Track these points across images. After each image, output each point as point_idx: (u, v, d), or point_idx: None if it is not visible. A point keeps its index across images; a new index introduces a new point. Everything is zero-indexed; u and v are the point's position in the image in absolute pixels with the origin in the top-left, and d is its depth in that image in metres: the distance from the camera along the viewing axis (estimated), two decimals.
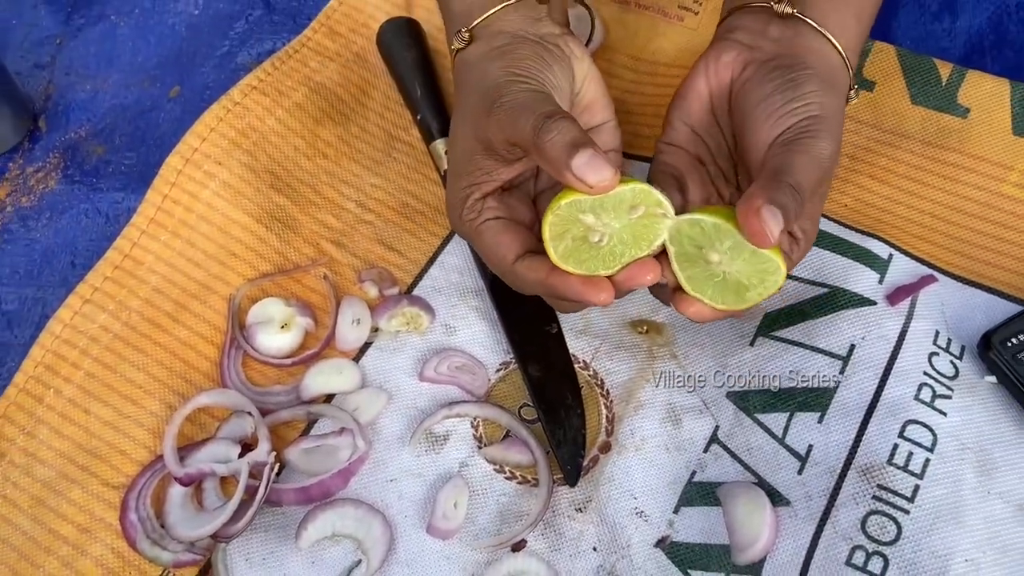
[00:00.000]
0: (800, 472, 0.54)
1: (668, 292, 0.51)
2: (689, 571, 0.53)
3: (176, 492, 0.56)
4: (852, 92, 0.54)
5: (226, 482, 0.56)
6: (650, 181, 0.55)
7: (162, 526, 0.54)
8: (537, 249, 0.51)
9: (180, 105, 0.74)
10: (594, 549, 0.54)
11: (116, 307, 0.62)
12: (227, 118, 0.67)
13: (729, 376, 0.59)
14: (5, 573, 0.53)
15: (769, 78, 0.51)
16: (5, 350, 0.64)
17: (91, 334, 0.61)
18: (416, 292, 0.65)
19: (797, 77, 0.50)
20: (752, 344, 0.60)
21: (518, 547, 0.55)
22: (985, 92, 0.64)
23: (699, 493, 0.55)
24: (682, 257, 0.49)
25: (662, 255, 0.49)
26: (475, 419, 0.60)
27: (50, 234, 0.69)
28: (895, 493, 0.51)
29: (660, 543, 0.54)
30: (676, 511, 0.55)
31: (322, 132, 0.70)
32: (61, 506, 0.55)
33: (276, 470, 0.55)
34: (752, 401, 0.57)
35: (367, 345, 0.62)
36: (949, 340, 0.57)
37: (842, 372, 0.56)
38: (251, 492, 0.54)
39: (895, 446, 0.52)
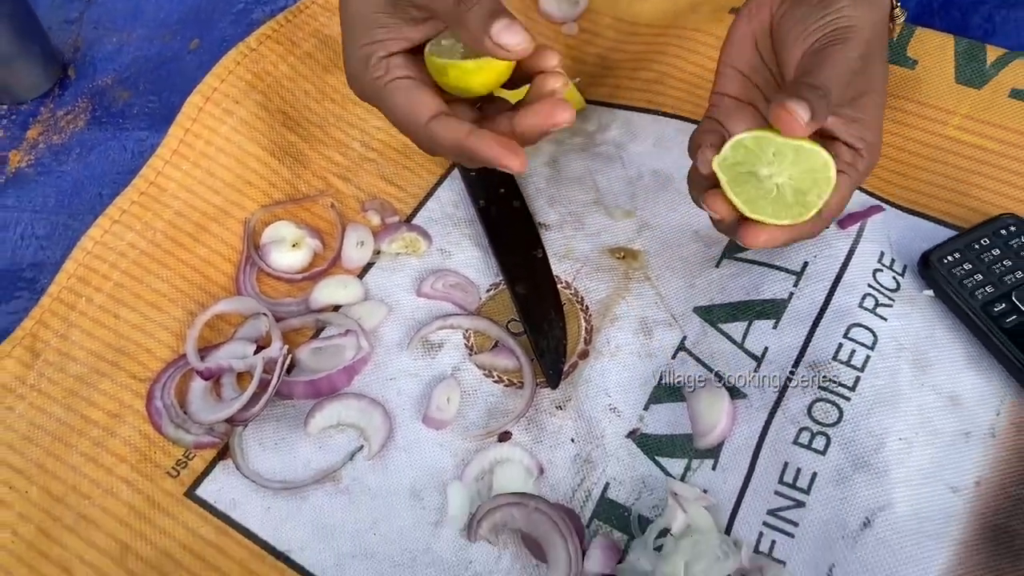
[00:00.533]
0: (756, 370, 0.60)
1: (735, 227, 0.53)
2: (656, 457, 0.59)
3: (197, 385, 0.62)
4: (897, 11, 0.58)
5: (242, 378, 0.63)
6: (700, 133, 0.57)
7: (184, 413, 0.60)
8: (448, 112, 0.53)
9: (199, 56, 0.81)
10: (572, 440, 0.61)
11: (142, 227, 0.68)
12: (244, 62, 0.73)
13: (696, 293, 0.65)
14: (40, 454, 0.59)
15: (804, 3, 0.54)
16: (39, 268, 0.70)
17: (119, 250, 0.67)
18: (414, 222, 0.71)
19: None
20: (718, 266, 0.66)
21: (504, 438, 0.61)
22: (932, 46, 0.71)
23: (666, 392, 0.61)
24: (734, 182, 0.52)
25: (718, 189, 0.52)
26: (467, 331, 0.66)
27: (80, 168, 0.75)
28: (838, 383, 0.57)
29: (631, 434, 0.60)
30: (646, 408, 0.61)
31: (330, 79, 0.76)
32: (92, 396, 0.61)
33: (287, 367, 0.61)
34: (716, 314, 0.64)
35: (369, 265, 0.69)
36: (892, 260, 0.63)
37: (795, 285, 0.62)
38: (264, 385, 0.60)
39: (840, 345, 0.59)
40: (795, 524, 0.54)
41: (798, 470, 0.55)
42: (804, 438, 0.56)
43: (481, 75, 0.52)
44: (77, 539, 0.56)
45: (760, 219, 0.52)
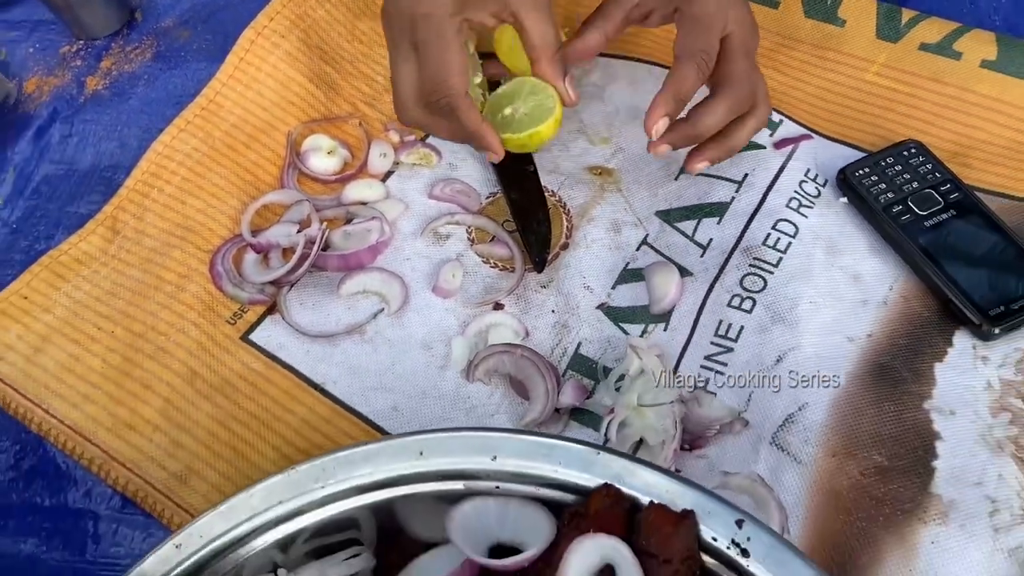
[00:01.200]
0: (702, 256, 0.75)
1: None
2: (620, 323, 0.73)
3: (250, 256, 0.76)
4: None
5: (286, 253, 0.77)
6: None
7: (240, 276, 0.75)
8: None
9: (248, 4, 0.95)
10: (552, 311, 0.75)
11: (204, 136, 0.82)
12: (288, 5, 0.88)
13: (658, 201, 0.80)
14: (123, 304, 0.73)
15: None
16: (115, 169, 0.84)
17: (185, 152, 0.81)
18: (428, 141, 0.86)
19: None
20: (676, 179, 0.81)
21: (498, 307, 0.75)
22: (858, 9, 0.86)
23: (631, 275, 0.76)
24: (491, 115, 0.74)
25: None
26: (469, 227, 0.80)
27: (148, 91, 0.89)
28: (765, 262, 0.72)
29: (600, 306, 0.75)
30: (613, 287, 0.76)
31: (360, 24, 0.91)
32: (165, 262, 0.76)
33: (323, 243, 0.75)
34: (672, 215, 0.78)
35: (390, 173, 0.83)
36: (816, 175, 0.78)
37: (737, 191, 0.77)
38: (304, 257, 0.74)
39: (768, 234, 0.73)
40: (725, 365, 0.68)
41: (729, 325, 0.70)
42: (735, 302, 0.71)
43: (532, 143, 0.73)
44: (156, 364, 0.70)
45: (504, 137, 0.72)
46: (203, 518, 0.54)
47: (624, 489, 0.51)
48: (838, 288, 0.71)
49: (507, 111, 0.73)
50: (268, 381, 0.71)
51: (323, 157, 0.81)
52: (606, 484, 0.51)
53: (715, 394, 0.67)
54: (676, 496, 0.50)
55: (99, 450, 0.66)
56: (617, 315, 0.74)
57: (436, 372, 0.72)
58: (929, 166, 0.76)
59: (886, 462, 0.61)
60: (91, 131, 0.87)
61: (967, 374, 0.65)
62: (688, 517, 0.49)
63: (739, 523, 0.50)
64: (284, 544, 0.56)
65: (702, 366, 0.69)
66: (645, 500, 0.50)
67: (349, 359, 0.72)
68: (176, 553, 0.54)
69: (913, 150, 0.77)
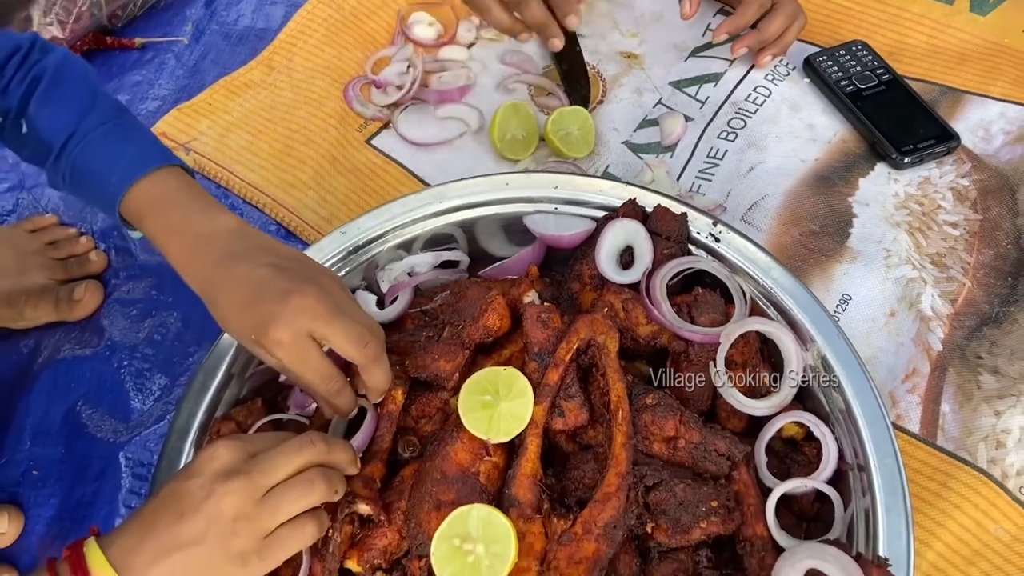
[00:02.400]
0: (701, 108, 1.03)
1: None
2: (639, 153, 1.01)
3: (373, 89, 1.04)
4: None
5: (399, 89, 1.04)
6: None
7: (365, 100, 1.02)
8: None
9: None
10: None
11: (332, 11, 1.10)
12: None
13: (671, 74, 1.08)
14: (280, 113, 1.01)
15: None
16: (264, 31, 1.12)
17: (317, 23, 1.09)
18: None
19: None
20: (685, 60, 1.09)
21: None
22: None
23: (648, 123, 1.04)
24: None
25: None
26: (530, 85, 1.08)
27: None
28: (745, 111, 1.00)
29: (624, 142, 1.02)
30: (634, 131, 1.03)
31: None
32: (310, 88, 1.03)
33: (422, 83, 1.03)
34: (681, 83, 1.06)
35: (472, 44, 1.11)
36: (788, 62, 1.06)
37: (729, 66, 1.05)
38: (411, 88, 1.02)
39: (749, 94, 1.02)
40: (712, 175, 0.96)
41: (718, 150, 0.98)
42: (723, 134, 0.99)
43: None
44: (307, 149, 0.98)
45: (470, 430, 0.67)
46: (361, 217, 0.82)
47: (641, 202, 0.78)
48: (796, 130, 0.99)
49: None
50: (384, 171, 0.98)
51: (425, 27, 1.09)
52: (631, 199, 0.79)
53: (704, 194, 0.95)
54: (673, 207, 0.78)
55: (269, 199, 0.94)
56: (636, 148, 1.02)
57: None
58: (870, 58, 1.04)
59: (818, 228, 0.89)
60: (247, 3, 1.15)
61: (882, 185, 0.93)
62: (683, 215, 0.77)
63: (714, 223, 0.77)
64: (406, 244, 0.83)
65: (696, 176, 0.97)
66: (652, 206, 0.78)
67: (441, 161, 1.00)
68: (342, 238, 0.81)
69: (860, 48, 1.05)
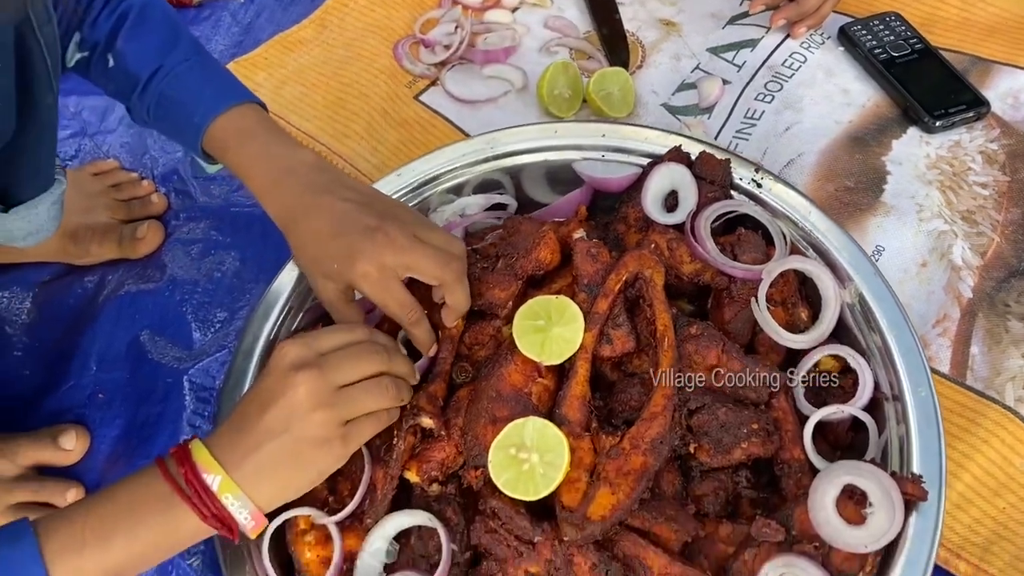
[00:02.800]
0: (738, 72, 1.06)
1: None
2: (677, 115, 1.05)
3: (421, 48, 1.08)
4: None
5: (447, 48, 1.08)
6: None
7: (414, 58, 1.06)
8: None
9: None
10: None
11: None
12: None
13: (709, 41, 1.11)
14: (332, 68, 1.05)
15: None
16: (310, 1, 1.16)
17: None
18: None
19: None
20: (723, 28, 1.12)
21: None
22: None
23: (686, 87, 1.07)
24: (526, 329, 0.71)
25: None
26: (571, 48, 1.12)
27: None
28: (782, 75, 1.04)
29: (664, 104, 1.06)
30: (673, 94, 1.07)
31: None
32: (361, 46, 1.08)
33: (469, 43, 1.07)
34: (718, 49, 1.10)
35: (516, 8, 1.15)
36: (823, 31, 1.09)
37: (766, 33, 1.08)
38: (458, 48, 1.06)
39: (785, 59, 1.05)
40: (749, 135, 1.00)
41: (755, 111, 1.01)
42: (760, 96, 1.02)
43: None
44: (359, 103, 1.02)
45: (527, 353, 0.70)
46: (417, 160, 0.85)
47: (685, 149, 0.82)
48: (831, 94, 1.02)
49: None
50: (432, 125, 1.02)
51: None
52: (677, 145, 0.82)
53: (742, 152, 0.98)
54: (717, 153, 0.81)
55: (324, 147, 0.98)
56: (675, 110, 1.05)
57: None
58: (903, 28, 1.07)
59: (852, 184, 0.93)
60: None
61: (914, 147, 0.97)
62: (727, 160, 0.80)
63: (756, 169, 0.81)
64: (456, 188, 0.87)
65: (733, 136, 1.00)
66: (696, 152, 0.81)
67: (485, 117, 1.03)
68: (398, 180, 0.85)
69: (894, 18, 1.09)
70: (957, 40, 1.07)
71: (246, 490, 0.59)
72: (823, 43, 1.08)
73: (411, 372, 0.69)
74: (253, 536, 0.62)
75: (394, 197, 0.84)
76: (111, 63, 0.74)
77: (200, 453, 0.59)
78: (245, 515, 0.59)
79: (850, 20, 1.09)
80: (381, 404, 0.63)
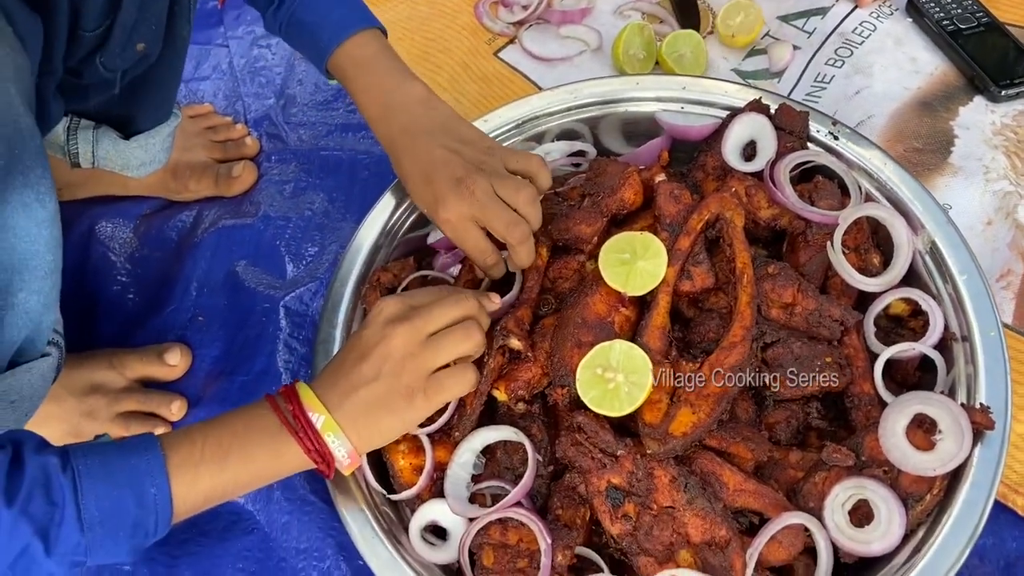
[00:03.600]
0: (809, 38, 1.09)
1: None
2: (747, 79, 1.08)
3: (503, 8, 1.12)
4: None
5: (525, 9, 1.13)
6: None
7: (494, 16, 1.11)
8: None
9: None
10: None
11: None
12: None
13: (780, 8, 1.14)
14: (416, 24, 1.10)
15: None
16: None
17: None
18: None
19: None
20: None
21: None
22: None
23: (756, 52, 1.10)
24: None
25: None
26: (644, 13, 1.16)
27: None
28: (852, 42, 1.07)
29: (733, 70, 1.09)
30: (743, 60, 1.10)
31: None
32: (444, 4, 1.13)
33: (548, 3, 1.11)
34: (788, 17, 1.13)
35: None
36: (891, 3, 1.12)
37: (836, 1, 1.12)
38: (535, 9, 1.10)
39: (855, 27, 1.08)
40: (820, 97, 1.03)
41: (825, 75, 1.05)
42: (831, 61, 1.06)
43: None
44: (443, 56, 1.07)
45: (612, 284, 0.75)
46: (503, 107, 0.90)
47: (765, 102, 0.86)
48: (900, 62, 1.05)
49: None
50: (510, 80, 1.07)
51: None
52: (757, 97, 0.86)
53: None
54: (795, 106, 0.85)
55: None
56: (745, 74, 1.09)
57: None
58: (969, 2, 1.10)
59: (921, 145, 0.96)
60: None
61: (980, 114, 0.99)
62: (806, 112, 0.84)
63: (833, 123, 0.84)
64: (538, 136, 0.91)
65: (803, 99, 1.03)
66: (776, 105, 0.85)
67: (561, 75, 1.08)
68: (485, 126, 0.90)
69: None
70: (1022, 16, 1.10)
71: (345, 430, 0.63)
72: (891, 14, 1.11)
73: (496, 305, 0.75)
74: (347, 473, 0.67)
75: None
76: None
77: (306, 394, 0.64)
78: (343, 453, 0.64)
79: None
80: (465, 347, 0.68)
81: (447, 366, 0.69)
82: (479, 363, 0.73)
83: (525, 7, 1.12)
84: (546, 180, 0.79)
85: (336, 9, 0.79)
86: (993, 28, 1.07)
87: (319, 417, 0.63)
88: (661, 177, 0.82)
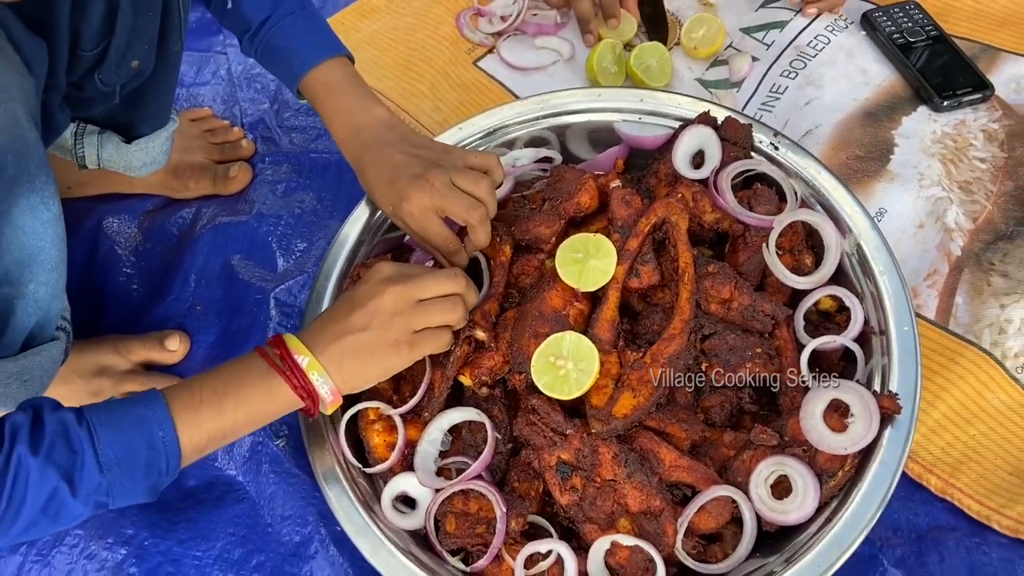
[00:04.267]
0: (767, 50, 1.17)
1: None
2: (710, 88, 1.16)
3: (482, 19, 1.20)
4: None
5: (502, 20, 1.20)
6: None
7: (474, 27, 1.19)
8: None
9: None
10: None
11: None
12: None
13: (741, 21, 1.22)
14: (400, 35, 1.18)
15: None
16: None
17: None
18: None
19: None
20: (756, 11, 1.23)
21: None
22: None
23: (718, 63, 1.18)
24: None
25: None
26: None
27: None
28: (806, 55, 1.14)
29: (697, 79, 1.17)
30: (706, 69, 1.18)
31: None
32: (427, 14, 1.21)
33: (523, 15, 1.19)
34: (750, 30, 1.21)
35: None
36: (846, 17, 1.19)
37: (794, 16, 1.19)
38: (514, 20, 1.18)
39: (810, 41, 1.16)
40: (773, 107, 1.11)
41: (779, 86, 1.12)
42: (786, 73, 1.13)
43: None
44: (424, 65, 1.16)
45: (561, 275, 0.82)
46: (477, 116, 0.98)
47: (713, 114, 0.93)
48: (851, 74, 1.13)
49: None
50: (488, 88, 1.15)
51: None
52: (706, 110, 0.94)
53: (763, 121, 1.10)
54: (741, 119, 0.93)
55: (393, 104, 1.12)
56: (708, 84, 1.17)
57: None
58: (921, 16, 1.17)
59: (863, 153, 1.04)
60: None
61: (922, 124, 1.07)
62: (749, 125, 0.92)
63: (775, 134, 0.92)
64: (509, 143, 0.99)
65: (759, 108, 1.11)
66: (723, 117, 0.93)
67: (536, 83, 1.15)
68: (459, 133, 0.98)
69: (912, 7, 1.18)
70: (969, 29, 1.17)
71: (328, 371, 0.72)
72: (846, 27, 1.18)
73: (477, 299, 0.83)
74: (330, 411, 0.75)
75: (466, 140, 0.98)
76: (229, 5, 0.88)
77: (292, 341, 0.72)
78: (326, 391, 0.72)
79: (872, 7, 1.20)
80: (449, 318, 0.76)
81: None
82: (447, 353, 0.82)
83: (503, 18, 1.20)
84: (500, 175, 0.86)
85: (308, 37, 0.87)
86: (940, 41, 1.14)
87: (304, 359, 0.71)
88: (615, 183, 0.90)
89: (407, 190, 0.82)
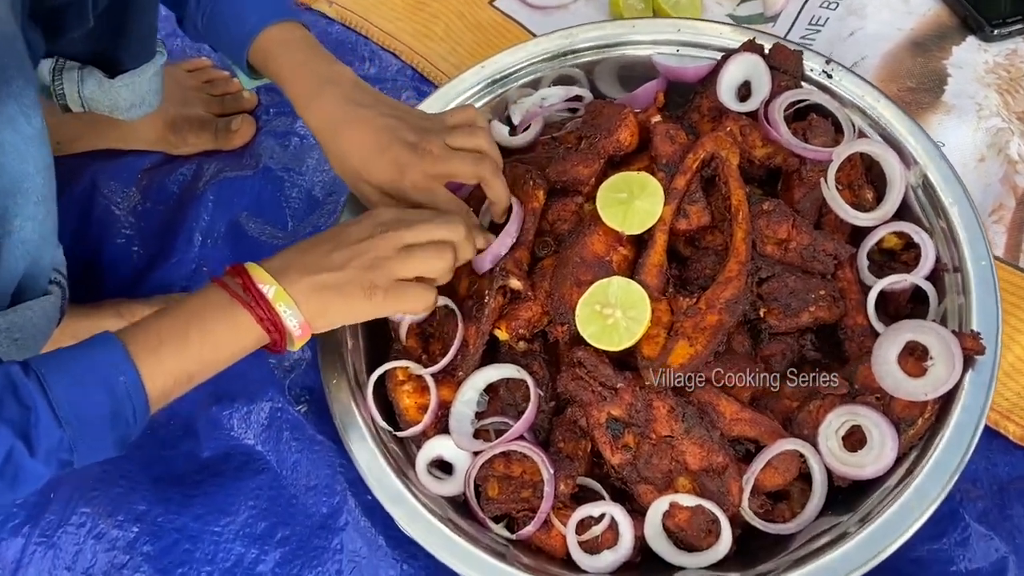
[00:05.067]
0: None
1: None
2: (743, 24, 1.08)
3: None
4: None
5: None
6: None
7: None
8: None
9: None
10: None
11: None
12: None
13: None
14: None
15: None
16: None
17: None
18: None
19: None
20: None
21: None
22: None
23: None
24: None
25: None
26: None
27: None
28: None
29: (728, 15, 1.10)
30: (738, 5, 1.10)
31: None
32: None
33: None
34: None
35: None
36: None
37: None
38: None
39: None
40: (813, 40, 1.03)
41: (819, 17, 1.05)
42: (825, 3, 1.06)
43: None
44: (438, 5, 1.07)
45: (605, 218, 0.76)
46: (499, 54, 0.90)
47: (759, 42, 0.86)
48: (893, 3, 1.06)
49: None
50: (506, 29, 1.07)
51: None
52: (751, 38, 0.86)
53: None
54: (789, 45, 0.85)
55: (405, 47, 1.04)
56: (740, 19, 1.09)
57: None
58: None
59: (914, 85, 0.97)
60: None
61: (973, 53, 1.00)
62: (799, 51, 0.84)
63: (827, 61, 0.85)
64: (534, 83, 0.92)
65: (798, 42, 1.04)
66: (770, 45, 0.85)
67: (556, 23, 1.07)
68: (482, 72, 0.90)
69: None
70: None
71: (297, 303, 0.64)
72: None
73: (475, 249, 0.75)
74: (298, 346, 0.66)
75: (476, 89, 0.90)
76: None
77: (255, 269, 0.65)
78: (295, 324, 0.64)
79: None
80: (434, 265, 0.69)
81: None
82: (480, 305, 0.75)
83: None
84: (484, 123, 0.79)
85: (256, 1, 0.78)
86: None
87: (270, 288, 0.64)
88: (657, 118, 0.83)
89: (406, 159, 0.74)
